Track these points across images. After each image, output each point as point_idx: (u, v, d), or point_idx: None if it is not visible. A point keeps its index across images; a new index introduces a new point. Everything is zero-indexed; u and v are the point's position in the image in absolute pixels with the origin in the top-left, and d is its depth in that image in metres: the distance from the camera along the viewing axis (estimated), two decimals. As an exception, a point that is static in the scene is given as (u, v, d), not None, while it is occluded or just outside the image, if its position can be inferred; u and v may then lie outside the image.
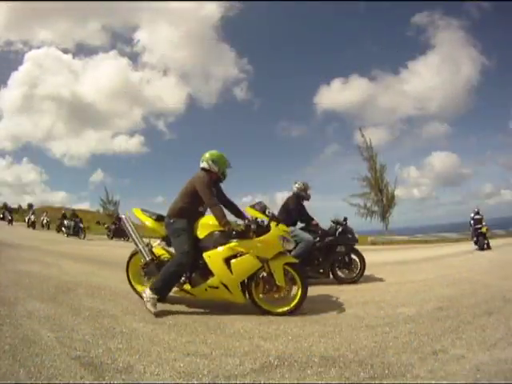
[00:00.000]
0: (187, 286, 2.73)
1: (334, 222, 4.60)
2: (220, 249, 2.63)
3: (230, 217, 2.85)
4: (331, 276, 4.33)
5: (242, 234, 2.62)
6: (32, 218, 16.79)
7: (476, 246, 9.95)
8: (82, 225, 13.29)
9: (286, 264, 2.70)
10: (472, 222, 10.32)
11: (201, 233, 2.75)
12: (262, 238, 2.63)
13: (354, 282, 4.28)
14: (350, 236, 4.49)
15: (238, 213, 2.99)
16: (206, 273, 2.67)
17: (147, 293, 2.58)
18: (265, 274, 2.68)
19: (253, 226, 2.62)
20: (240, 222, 2.80)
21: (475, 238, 10.06)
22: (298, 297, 2.67)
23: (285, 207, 4.52)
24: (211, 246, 2.67)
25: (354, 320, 2.52)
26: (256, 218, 2.72)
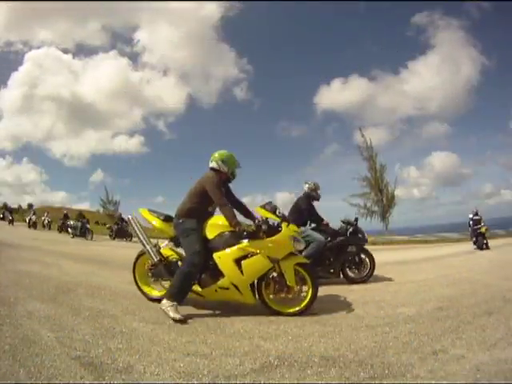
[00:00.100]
0: (196, 287, 2.70)
1: (344, 222, 4.64)
2: (231, 249, 2.61)
3: (239, 217, 2.82)
4: (341, 276, 4.36)
5: (253, 235, 2.61)
6: (33, 218, 16.70)
7: (475, 246, 10.05)
8: (88, 226, 13.04)
9: (297, 264, 2.70)
10: (471, 222, 10.46)
11: (210, 233, 2.73)
12: (273, 238, 2.61)
13: (363, 281, 4.31)
14: (360, 236, 4.53)
15: (247, 213, 2.98)
16: (216, 274, 2.64)
17: (164, 303, 2.48)
18: (275, 275, 2.67)
19: (263, 227, 2.60)
20: (249, 222, 2.79)
21: (474, 238, 10.19)
22: (308, 297, 2.66)
23: (296, 207, 4.53)
24: (221, 246, 2.65)
25: (354, 320, 2.52)
26: (266, 219, 2.70)
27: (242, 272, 2.57)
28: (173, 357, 1.77)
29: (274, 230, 2.65)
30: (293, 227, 2.79)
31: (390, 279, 4.48)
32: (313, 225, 4.53)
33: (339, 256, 4.34)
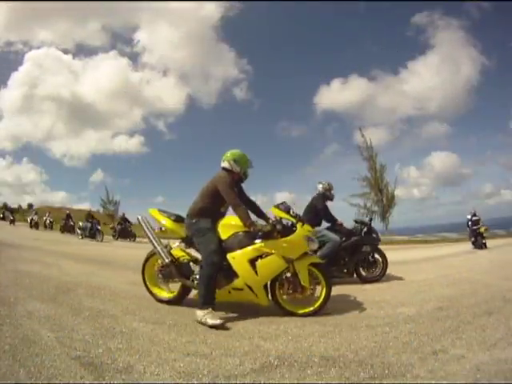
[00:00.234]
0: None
1: (357, 222, 4.69)
2: (245, 249, 2.59)
3: (252, 217, 2.78)
4: (354, 275, 4.39)
5: (267, 235, 2.59)
6: (35, 218, 16.48)
7: (473, 246, 10.23)
8: (99, 227, 12.61)
9: (311, 264, 2.70)
10: (470, 223, 10.63)
11: (223, 234, 2.70)
12: (288, 238, 2.60)
13: (376, 280, 4.35)
14: (374, 236, 4.57)
15: (260, 213, 2.95)
16: (230, 274, 2.62)
17: (199, 313, 2.39)
18: (288, 275, 2.66)
19: (278, 227, 2.59)
20: (262, 222, 2.78)
21: (473, 238, 10.34)
22: (322, 297, 2.66)
23: (311, 207, 4.56)
24: (235, 247, 2.62)
25: (354, 320, 2.52)
26: (281, 218, 2.69)
27: (256, 272, 2.55)
28: (173, 357, 1.77)
29: (288, 230, 2.64)
30: (307, 227, 2.77)
31: (389, 279, 4.48)
32: (327, 224, 4.55)
33: (354, 256, 4.38)
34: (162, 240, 2.95)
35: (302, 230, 2.68)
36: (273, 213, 2.77)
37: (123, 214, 14.56)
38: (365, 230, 4.54)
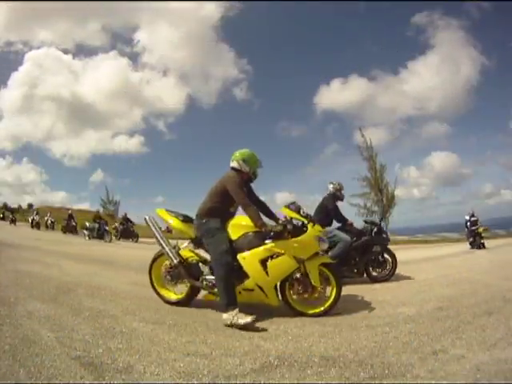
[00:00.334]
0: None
1: (366, 222, 4.73)
2: (256, 250, 2.58)
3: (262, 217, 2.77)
4: (365, 275, 4.43)
5: (277, 235, 2.58)
6: (36, 218, 16.40)
7: (470, 246, 10.45)
8: (107, 227, 12.46)
9: (321, 264, 2.70)
10: (468, 223, 10.81)
11: (233, 234, 2.67)
12: (299, 238, 2.59)
13: (386, 280, 4.38)
14: (384, 236, 4.62)
15: (269, 213, 2.93)
16: (241, 275, 2.60)
17: (227, 317, 2.36)
18: (298, 275, 2.66)
19: (289, 227, 2.58)
20: (271, 222, 2.77)
21: (471, 239, 10.53)
22: (332, 297, 2.66)
23: (322, 207, 4.58)
24: (245, 247, 2.60)
25: (354, 320, 2.52)
26: (291, 219, 2.68)
27: (267, 273, 2.54)
28: (173, 357, 1.77)
29: (298, 230, 2.63)
30: (318, 227, 2.76)
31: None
32: (338, 224, 4.58)
33: (364, 256, 4.41)
34: (170, 240, 2.92)
35: (313, 230, 2.66)
36: (283, 213, 2.75)
37: (125, 214, 14.35)
38: (375, 230, 4.57)
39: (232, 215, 2.81)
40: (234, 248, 2.62)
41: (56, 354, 1.71)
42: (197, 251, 2.90)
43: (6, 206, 20.58)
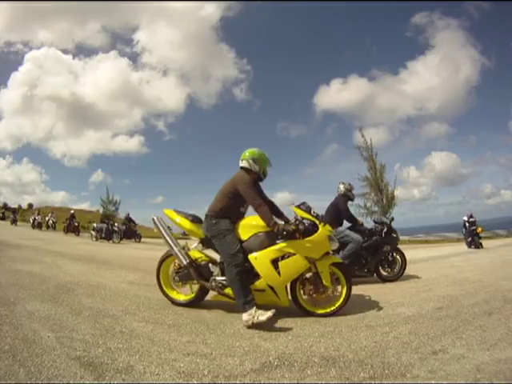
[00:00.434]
0: (228, 290, 2.62)
1: (377, 223, 4.76)
2: (268, 250, 2.57)
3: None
4: (375, 275, 4.46)
5: (288, 235, 2.56)
6: (38, 218, 16.37)
7: (467, 246, 10.84)
8: (116, 228, 12.31)
9: (332, 264, 2.70)
10: (467, 224, 11.17)
11: (244, 234, 2.66)
12: (311, 238, 2.58)
13: (395, 279, 4.43)
14: (394, 235, 4.64)
15: (278, 213, 2.92)
16: (252, 276, 2.59)
17: (246, 318, 2.35)
18: (309, 275, 2.67)
19: (301, 226, 2.57)
20: (280, 222, 2.75)
21: (470, 239, 10.92)
22: (342, 297, 2.68)
23: (334, 208, 4.61)
24: (256, 247, 2.59)
25: (354, 320, 2.52)
26: (303, 218, 2.67)
27: (278, 273, 2.53)
28: (173, 357, 1.78)
29: (308, 230, 2.62)
30: (328, 227, 2.76)
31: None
32: (348, 224, 4.60)
33: (375, 255, 4.45)
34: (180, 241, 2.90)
35: (324, 229, 2.66)
36: (295, 213, 2.75)
37: (128, 214, 14.23)
38: (385, 229, 4.61)
39: (242, 215, 2.80)
40: (244, 248, 2.60)
41: (56, 354, 1.71)
42: (205, 252, 2.88)
43: (6, 206, 20.56)
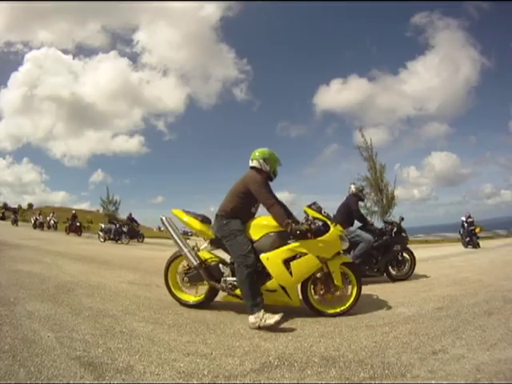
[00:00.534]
0: (239, 291, 2.59)
1: (387, 223, 4.80)
2: (279, 250, 2.56)
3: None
4: (384, 274, 4.49)
5: (300, 235, 2.54)
6: (40, 218, 16.28)
7: (463, 246, 11.18)
8: (125, 229, 12.16)
9: (342, 264, 2.71)
10: (466, 224, 11.46)
11: (255, 235, 2.64)
12: (323, 237, 2.58)
13: (405, 279, 4.47)
14: (404, 235, 4.69)
15: (288, 213, 2.88)
16: (263, 276, 2.59)
17: (252, 319, 2.32)
18: (319, 275, 2.67)
19: (313, 226, 2.57)
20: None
21: (468, 238, 11.23)
22: (353, 297, 2.69)
23: (345, 208, 4.65)
24: (267, 248, 2.58)
25: (354, 320, 2.52)
26: (314, 218, 2.67)
27: (290, 273, 2.53)
28: (173, 357, 1.77)
29: (319, 230, 2.62)
30: (339, 227, 2.76)
31: (390, 279, 4.48)
32: (359, 224, 4.63)
33: (385, 255, 4.48)
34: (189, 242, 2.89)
35: (335, 229, 2.67)
36: (306, 213, 2.75)
37: (130, 214, 14.08)
38: (395, 229, 4.64)
39: (252, 216, 2.78)
40: (255, 249, 2.59)
41: (56, 354, 1.71)
42: (215, 252, 2.86)
43: (6, 206, 20.55)
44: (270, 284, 2.57)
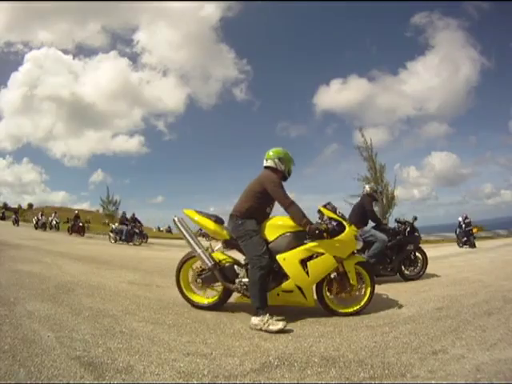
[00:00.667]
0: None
1: (399, 222, 4.81)
2: (296, 250, 2.55)
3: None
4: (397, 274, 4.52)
5: (316, 235, 2.54)
6: (42, 218, 16.11)
7: (458, 246, 11.51)
8: (137, 230, 11.88)
9: (357, 263, 2.73)
10: (463, 225, 11.78)
11: (270, 235, 2.62)
12: (339, 237, 2.59)
13: (418, 278, 4.49)
14: (417, 234, 4.72)
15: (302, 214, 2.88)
16: (279, 277, 2.58)
17: (257, 322, 2.30)
18: (334, 275, 2.68)
19: (330, 226, 2.58)
20: None
21: (465, 238, 11.53)
22: (367, 296, 2.70)
23: (360, 208, 4.68)
24: (283, 248, 2.57)
25: (354, 320, 2.52)
26: (330, 218, 2.68)
27: (307, 273, 2.53)
28: (173, 357, 1.77)
29: (335, 230, 2.62)
30: (353, 227, 2.77)
31: (390, 279, 4.47)
32: (372, 224, 4.64)
33: (399, 254, 4.50)
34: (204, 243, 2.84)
35: (350, 229, 2.67)
36: (320, 213, 2.76)
37: (133, 214, 13.76)
38: (408, 229, 4.65)
39: (267, 216, 2.76)
40: (270, 249, 2.57)
41: (56, 354, 1.71)
42: (229, 253, 2.83)
43: (6, 206, 20.52)
44: (286, 284, 2.56)
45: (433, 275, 4.74)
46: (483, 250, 9.80)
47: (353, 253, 2.75)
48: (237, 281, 2.68)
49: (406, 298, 3.29)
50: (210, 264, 2.68)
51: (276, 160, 2.77)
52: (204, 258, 2.69)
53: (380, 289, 3.87)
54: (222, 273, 2.70)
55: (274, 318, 2.34)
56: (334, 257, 2.57)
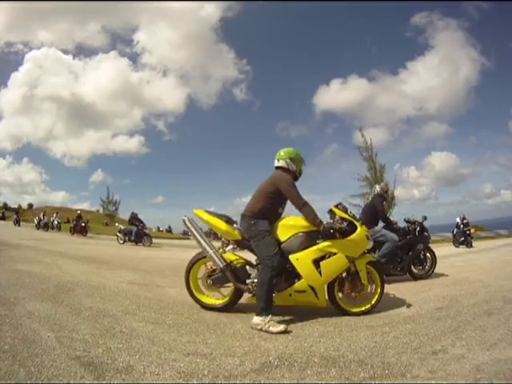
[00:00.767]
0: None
1: (409, 222, 4.84)
2: (309, 250, 2.56)
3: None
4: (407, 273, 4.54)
5: (328, 235, 2.55)
6: (44, 219, 16.03)
7: (457, 245, 11.73)
8: (147, 230, 11.69)
9: (367, 263, 2.74)
10: (461, 225, 11.96)
11: (282, 235, 2.61)
12: (351, 237, 2.61)
13: (427, 277, 4.53)
14: (427, 234, 4.76)
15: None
16: (292, 277, 2.58)
17: (258, 322, 2.29)
18: (345, 274, 2.69)
19: (343, 226, 2.59)
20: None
21: (463, 238, 11.64)
22: (377, 295, 2.72)
23: (371, 208, 4.71)
24: (295, 248, 2.56)
25: (354, 320, 2.52)
26: (342, 218, 2.68)
27: (320, 273, 2.53)
28: (173, 357, 1.77)
29: (347, 230, 2.63)
30: (364, 226, 2.78)
31: (390, 279, 4.46)
32: (383, 224, 4.67)
33: (409, 254, 4.53)
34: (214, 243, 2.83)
35: (362, 229, 2.69)
36: (331, 213, 2.77)
37: (136, 214, 13.95)
38: (418, 228, 4.68)
39: (279, 216, 2.75)
40: (282, 250, 2.57)
41: (56, 354, 1.71)
42: (240, 254, 2.82)
43: (6, 206, 20.51)
44: (299, 285, 2.56)
45: (433, 275, 4.74)
46: (483, 250, 9.78)
47: (363, 252, 2.76)
48: (248, 281, 2.67)
49: (405, 298, 3.29)
50: (221, 265, 2.66)
51: (288, 160, 2.76)
52: (216, 258, 2.67)
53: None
54: (233, 273, 2.68)
55: (276, 319, 2.33)
56: (347, 256, 2.59)
